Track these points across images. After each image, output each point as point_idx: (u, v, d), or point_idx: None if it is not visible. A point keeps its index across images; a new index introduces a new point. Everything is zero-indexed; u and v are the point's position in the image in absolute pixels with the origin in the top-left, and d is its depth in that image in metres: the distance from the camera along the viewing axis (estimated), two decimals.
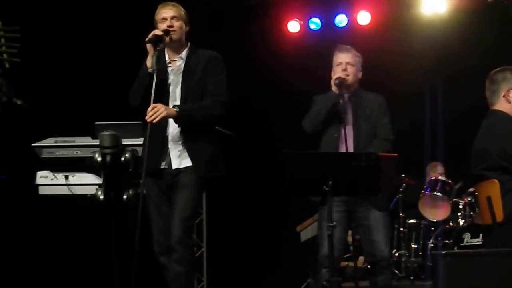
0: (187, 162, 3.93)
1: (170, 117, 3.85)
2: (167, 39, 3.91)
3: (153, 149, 3.87)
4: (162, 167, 3.95)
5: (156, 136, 3.90)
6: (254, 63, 7.27)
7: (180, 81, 3.98)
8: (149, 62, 3.87)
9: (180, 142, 3.94)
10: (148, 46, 3.88)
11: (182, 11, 4.06)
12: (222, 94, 3.98)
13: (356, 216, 4.26)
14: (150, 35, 3.87)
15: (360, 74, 4.43)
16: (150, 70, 3.84)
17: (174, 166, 3.93)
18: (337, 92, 4.25)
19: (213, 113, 3.95)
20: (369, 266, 4.62)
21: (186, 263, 3.83)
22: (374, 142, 4.28)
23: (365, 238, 4.26)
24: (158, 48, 3.84)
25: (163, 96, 3.92)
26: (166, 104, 3.91)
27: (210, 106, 3.93)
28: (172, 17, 3.99)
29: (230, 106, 4.01)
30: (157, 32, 3.89)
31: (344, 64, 4.33)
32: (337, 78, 4.25)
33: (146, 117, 3.75)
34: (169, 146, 3.94)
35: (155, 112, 3.74)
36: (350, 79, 4.32)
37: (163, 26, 3.95)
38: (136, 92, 3.96)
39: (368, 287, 4.40)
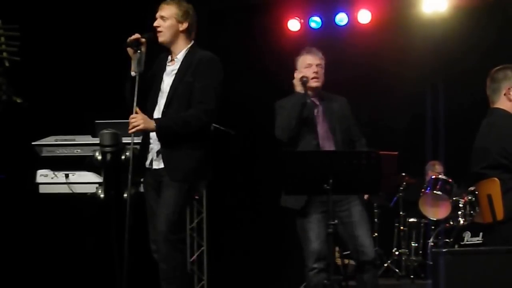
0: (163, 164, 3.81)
1: (149, 131, 3.74)
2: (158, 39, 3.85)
3: (140, 150, 3.84)
4: (147, 166, 3.85)
5: (143, 138, 3.85)
6: (254, 61, 7.27)
7: (171, 83, 3.85)
8: (132, 65, 3.80)
9: (159, 143, 3.81)
10: (128, 50, 3.79)
11: (177, 9, 3.88)
12: (208, 102, 3.76)
13: (338, 215, 4.08)
14: (128, 39, 3.78)
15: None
16: (132, 73, 3.78)
17: (154, 166, 3.82)
18: (303, 91, 4.14)
19: (194, 124, 3.73)
20: (352, 262, 4.61)
21: (171, 259, 3.67)
22: (357, 145, 4.26)
23: (348, 235, 4.16)
24: (139, 51, 3.76)
25: (155, 96, 3.86)
26: (155, 102, 3.84)
27: (192, 116, 3.73)
28: (161, 17, 3.87)
29: (217, 113, 3.82)
30: (135, 36, 3.79)
31: (315, 67, 4.22)
32: (303, 76, 4.14)
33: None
34: (151, 146, 3.84)
35: (132, 123, 3.66)
36: (321, 81, 4.23)
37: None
38: (126, 93, 3.88)
39: (355, 286, 4.39)
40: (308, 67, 4.22)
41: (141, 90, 3.73)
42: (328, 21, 7.42)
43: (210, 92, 3.78)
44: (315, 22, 7.46)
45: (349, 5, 7.37)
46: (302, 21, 7.48)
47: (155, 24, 3.86)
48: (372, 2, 7.27)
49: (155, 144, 3.82)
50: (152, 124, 3.70)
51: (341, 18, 7.37)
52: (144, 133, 3.83)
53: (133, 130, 3.67)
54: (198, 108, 3.76)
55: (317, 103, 4.26)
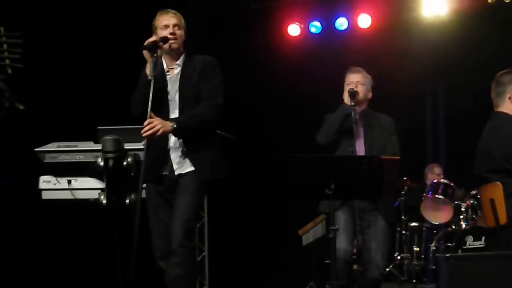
0: (188, 167, 3.91)
1: (167, 133, 3.81)
2: (167, 46, 3.89)
3: (154, 156, 3.85)
4: (163, 173, 3.93)
5: (158, 144, 3.87)
6: (254, 66, 7.28)
7: (178, 88, 3.96)
8: (148, 69, 3.85)
9: (181, 149, 3.92)
10: (145, 53, 3.84)
11: (182, 19, 4.03)
12: (216, 98, 3.95)
13: (362, 223, 4.34)
14: (146, 42, 3.83)
15: (370, 95, 4.60)
16: (150, 77, 3.80)
17: (176, 172, 3.91)
18: (349, 103, 4.40)
19: (208, 119, 3.90)
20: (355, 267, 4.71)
21: (186, 265, 3.80)
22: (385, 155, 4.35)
23: (365, 245, 4.35)
24: (155, 54, 3.81)
25: (163, 105, 3.91)
26: (167, 112, 3.91)
27: (204, 112, 3.89)
28: (175, 25, 3.96)
29: (224, 109, 3.98)
30: (153, 38, 3.86)
31: (355, 83, 4.52)
32: (350, 88, 4.43)
33: (142, 131, 3.70)
34: (171, 153, 3.92)
35: (151, 127, 3.70)
36: (360, 96, 4.49)
37: (165, 33, 3.92)
38: (138, 100, 3.92)
39: None
40: (349, 84, 4.55)
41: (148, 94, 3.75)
42: (328, 25, 7.42)
43: (218, 90, 3.97)
44: (315, 27, 7.47)
45: (349, 10, 7.37)
46: (302, 26, 7.49)
47: (171, 31, 3.93)
48: (372, 7, 7.28)
49: (175, 152, 3.91)
50: (170, 126, 3.78)
51: (341, 23, 7.37)
52: (153, 140, 3.84)
53: (154, 136, 3.70)
54: (208, 104, 3.91)
55: (358, 117, 4.49)
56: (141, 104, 3.88)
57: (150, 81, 3.79)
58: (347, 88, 4.53)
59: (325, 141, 4.43)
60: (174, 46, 3.94)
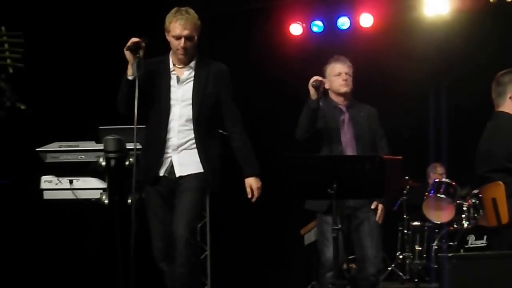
0: (190, 170, 3.85)
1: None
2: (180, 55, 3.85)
3: (152, 157, 3.84)
4: (161, 175, 3.87)
5: (155, 145, 3.85)
6: (256, 66, 7.27)
7: (191, 92, 3.87)
8: (129, 70, 3.76)
9: (181, 150, 3.86)
10: (127, 54, 3.74)
11: (198, 22, 3.84)
12: (240, 119, 4.05)
13: (354, 222, 4.29)
14: (129, 43, 3.74)
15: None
16: (130, 77, 3.75)
17: (177, 174, 3.84)
18: (315, 96, 4.23)
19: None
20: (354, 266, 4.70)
21: (190, 264, 3.76)
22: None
23: (359, 243, 4.30)
24: (138, 55, 3.72)
25: (162, 102, 3.85)
26: (167, 111, 3.84)
27: (248, 142, 4.04)
28: (187, 37, 3.79)
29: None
30: (135, 39, 3.75)
31: (344, 75, 4.38)
32: (315, 80, 4.21)
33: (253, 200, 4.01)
34: (171, 154, 3.86)
35: (255, 196, 4.05)
36: (349, 87, 4.39)
37: (175, 44, 3.80)
38: (120, 99, 3.88)
39: None
40: (338, 76, 4.38)
41: (132, 93, 3.70)
42: (330, 25, 7.41)
43: (237, 105, 4.03)
44: (317, 26, 7.46)
45: (351, 9, 7.37)
46: (304, 25, 7.48)
47: (182, 45, 3.79)
48: (374, 6, 7.27)
49: (174, 154, 3.85)
50: (257, 180, 4.04)
51: (343, 22, 7.37)
52: (151, 141, 3.85)
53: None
54: (239, 128, 4.03)
55: (344, 110, 4.39)
56: (123, 103, 3.85)
57: (130, 81, 3.74)
58: (336, 80, 4.37)
59: (301, 137, 4.35)
60: (181, 58, 3.85)
